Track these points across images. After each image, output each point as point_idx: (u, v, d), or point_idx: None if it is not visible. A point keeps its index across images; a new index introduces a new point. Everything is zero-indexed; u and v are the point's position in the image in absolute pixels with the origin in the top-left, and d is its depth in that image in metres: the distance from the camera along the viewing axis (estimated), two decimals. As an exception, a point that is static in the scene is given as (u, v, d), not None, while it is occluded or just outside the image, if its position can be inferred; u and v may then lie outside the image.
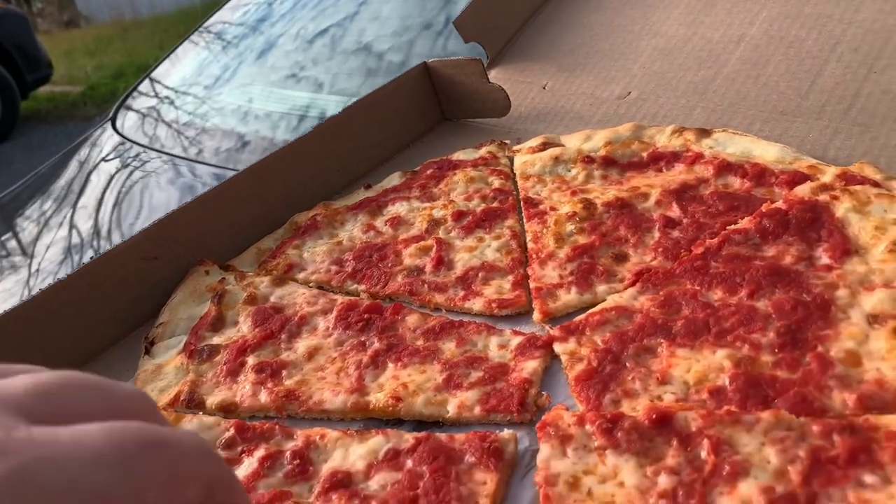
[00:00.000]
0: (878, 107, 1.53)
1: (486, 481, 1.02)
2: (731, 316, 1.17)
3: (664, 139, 1.58)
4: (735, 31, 1.81)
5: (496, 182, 1.62)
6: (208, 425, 1.17)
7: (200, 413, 1.21)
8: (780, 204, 1.33)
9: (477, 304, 1.34)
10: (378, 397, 1.18)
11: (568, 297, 1.31)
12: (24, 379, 0.54)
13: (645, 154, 1.57)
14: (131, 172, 2.67)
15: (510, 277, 1.38)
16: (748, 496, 0.91)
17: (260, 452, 1.12)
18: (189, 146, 2.70)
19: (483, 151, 1.73)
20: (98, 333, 1.43)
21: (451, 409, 1.15)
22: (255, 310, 1.39)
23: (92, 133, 3.09)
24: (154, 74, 3.26)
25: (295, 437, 1.14)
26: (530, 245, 1.44)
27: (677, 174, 1.50)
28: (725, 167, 1.46)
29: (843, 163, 1.42)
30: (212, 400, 1.24)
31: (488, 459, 1.04)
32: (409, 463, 1.06)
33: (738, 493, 0.92)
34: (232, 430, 1.15)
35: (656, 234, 1.38)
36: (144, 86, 3.23)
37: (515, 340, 1.25)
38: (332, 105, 2.41)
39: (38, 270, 2.31)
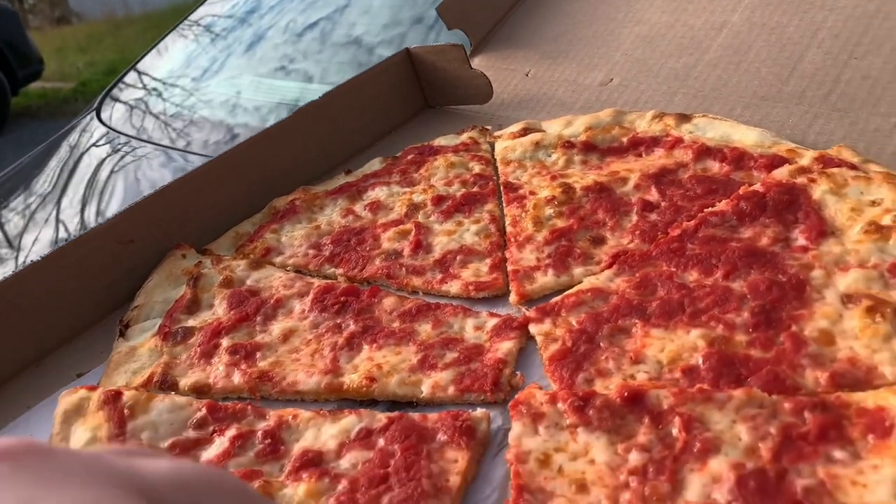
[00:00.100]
0: (858, 92, 1.53)
1: (457, 459, 1.02)
2: (705, 296, 1.17)
3: (644, 124, 1.58)
4: (717, 18, 1.81)
5: (477, 167, 1.62)
6: (180, 405, 1.16)
7: (172, 393, 1.20)
8: (757, 186, 1.33)
9: (454, 287, 1.34)
10: (352, 378, 1.18)
11: (545, 279, 1.30)
12: (166, 465, 0.53)
13: (625, 139, 1.56)
14: (117, 163, 2.65)
15: (488, 260, 1.38)
16: (718, 472, 0.91)
17: (231, 432, 1.11)
18: (177, 138, 2.68)
19: (464, 137, 1.72)
20: (73, 316, 1.42)
21: (425, 389, 1.15)
22: (231, 293, 1.38)
23: (77, 123, 3.07)
24: (142, 66, 3.24)
25: (267, 417, 1.13)
26: (509, 229, 1.43)
27: (657, 159, 1.50)
28: (704, 151, 1.46)
29: (822, 147, 1.42)
30: (185, 381, 1.23)
31: (460, 438, 1.04)
32: (381, 442, 1.06)
33: (708, 470, 0.92)
34: (203, 411, 1.14)
35: (634, 218, 1.38)
36: (132, 77, 3.21)
37: (491, 322, 1.25)
38: (323, 96, 2.39)
39: (23, 264, 2.29)
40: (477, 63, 1.98)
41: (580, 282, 1.28)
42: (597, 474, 0.94)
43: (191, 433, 1.12)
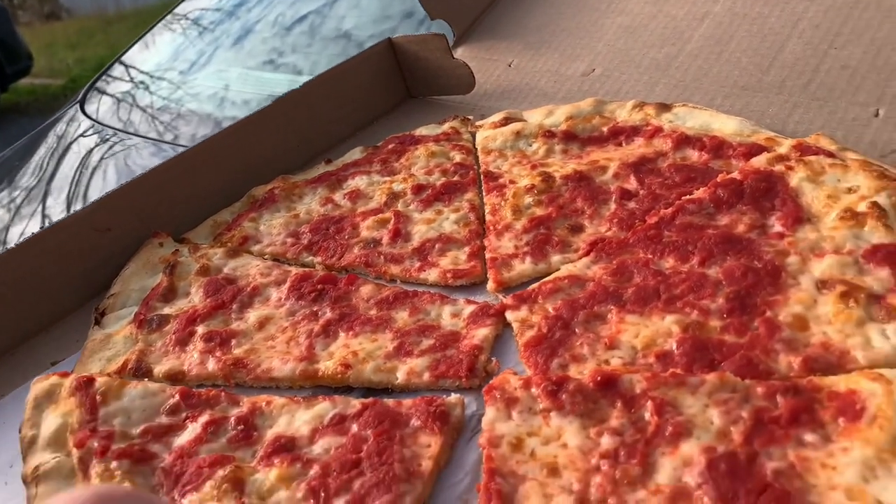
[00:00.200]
0: (837, 81, 1.53)
1: (430, 444, 1.01)
2: (681, 283, 1.16)
3: (625, 114, 1.58)
4: (699, 9, 1.81)
5: (457, 156, 1.61)
6: (153, 391, 1.15)
7: (146, 380, 1.19)
8: (735, 174, 1.33)
9: (432, 275, 1.33)
10: (327, 365, 1.17)
11: (523, 266, 1.30)
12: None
13: (605, 128, 1.56)
14: (103, 156, 2.63)
15: (467, 249, 1.37)
16: (689, 456, 0.91)
17: (204, 418, 1.10)
18: (165, 131, 2.66)
19: (446, 127, 1.72)
20: (49, 305, 1.41)
21: (401, 375, 1.14)
22: (208, 281, 1.37)
23: (62, 116, 3.05)
24: (129, 60, 3.22)
25: (241, 403, 1.13)
26: (488, 217, 1.43)
27: (636, 148, 1.50)
28: (684, 140, 1.46)
29: (801, 136, 1.41)
30: (159, 368, 1.22)
31: (433, 423, 1.03)
32: (355, 427, 1.05)
33: (679, 453, 0.92)
34: (176, 397, 1.14)
35: (612, 206, 1.37)
36: (118, 70, 3.19)
37: (468, 309, 1.24)
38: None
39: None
40: (460, 53, 1.98)
41: (558, 269, 1.27)
42: (569, 458, 0.94)
43: (163, 419, 1.12)
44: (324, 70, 1.79)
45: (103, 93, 3.08)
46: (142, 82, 3.07)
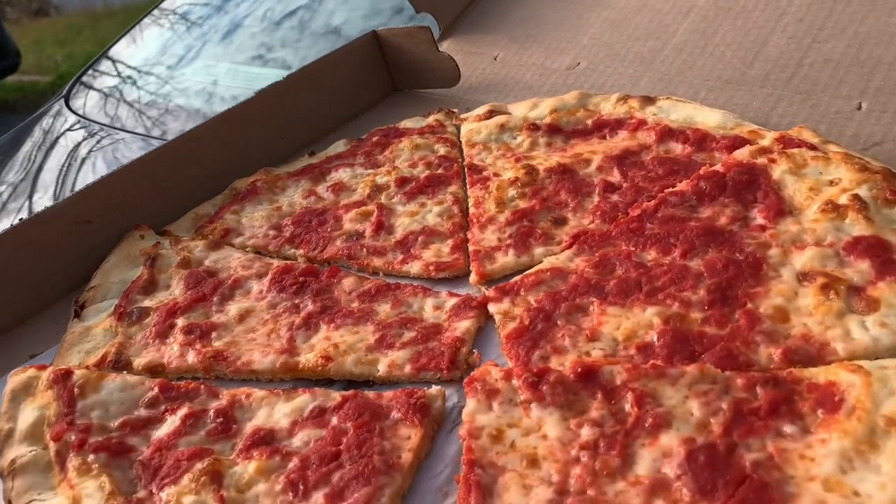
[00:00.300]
0: (821, 75, 1.53)
1: (410, 436, 1.01)
2: (663, 275, 1.16)
3: (609, 107, 1.57)
4: (684, 2, 1.81)
5: (442, 149, 1.61)
6: (131, 384, 1.14)
7: (125, 373, 1.18)
8: (718, 167, 1.33)
9: (415, 268, 1.33)
10: (308, 357, 1.17)
11: (505, 259, 1.30)
12: None
13: (589, 121, 1.56)
14: (90, 151, 2.61)
15: (450, 241, 1.37)
16: (669, 447, 0.91)
17: (183, 411, 1.09)
18: (152, 126, 2.64)
19: (430, 120, 1.71)
20: (28, 297, 1.39)
21: (382, 368, 1.14)
22: (188, 273, 1.36)
23: (47, 110, 3.02)
24: (116, 54, 3.19)
25: (220, 396, 1.12)
26: (472, 210, 1.42)
27: (620, 141, 1.49)
28: (667, 133, 1.45)
29: (784, 129, 1.41)
30: (139, 361, 1.21)
31: (414, 415, 1.03)
32: (334, 420, 1.05)
33: (659, 445, 0.91)
34: (155, 390, 1.13)
35: (596, 199, 1.37)
36: (105, 65, 3.16)
37: (451, 302, 1.24)
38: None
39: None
40: (446, 47, 1.97)
41: (540, 262, 1.27)
42: (548, 449, 0.94)
43: (142, 412, 1.11)
44: (310, 64, 1.78)
45: (90, 87, 3.05)
46: (129, 77, 3.04)
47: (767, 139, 1.36)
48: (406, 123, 1.72)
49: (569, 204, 1.37)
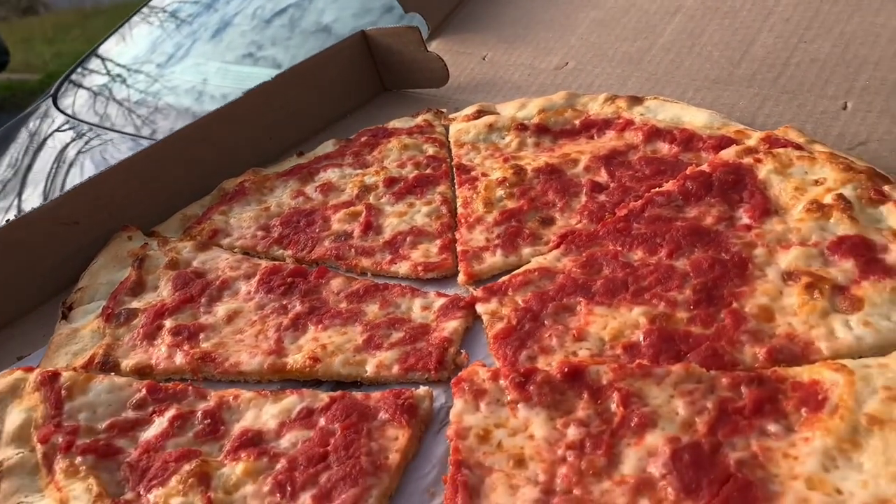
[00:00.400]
0: (807, 75, 1.54)
1: (397, 437, 1.01)
2: (649, 275, 1.17)
3: (597, 107, 1.58)
4: (672, 2, 1.82)
5: (430, 149, 1.61)
6: (119, 386, 1.14)
7: (112, 374, 1.18)
8: (704, 167, 1.33)
9: (403, 268, 1.33)
10: (296, 358, 1.17)
11: (493, 259, 1.30)
12: None
13: (577, 121, 1.56)
14: (80, 150, 2.60)
15: (438, 241, 1.37)
16: (654, 446, 0.91)
17: (171, 412, 1.09)
18: (142, 125, 2.63)
19: (419, 120, 1.72)
20: (15, 299, 1.39)
21: (370, 368, 1.14)
22: (176, 274, 1.36)
23: (34, 110, 3.00)
24: (105, 52, 3.18)
25: (208, 397, 1.12)
26: (460, 210, 1.43)
27: (608, 141, 1.50)
28: (654, 133, 1.46)
29: (771, 128, 1.42)
30: (127, 362, 1.21)
31: (401, 416, 1.03)
32: (322, 421, 1.05)
33: (644, 444, 0.92)
34: (143, 391, 1.13)
35: (583, 199, 1.38)
36: (95, 63, 3.14)
37: (439, 302, 1.24)
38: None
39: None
40: (434, 47, 1.97)
41: (528, 262, 1.27)
42: (535, 449, 0.94)
43: (130, 414, 1.11)
44: (300, 63, 1.78)
45: (79, 86, 3.04)
46: (118, 75, 3.03)
47: (753, 139, 1.37)
48: (395, 123, 1.72)
49: (556, 204, 1.38)
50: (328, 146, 1.68)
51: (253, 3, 3.04)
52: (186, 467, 1.00)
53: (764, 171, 1.29)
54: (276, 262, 1.38)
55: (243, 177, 1.60)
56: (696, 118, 1.47)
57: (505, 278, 1.24)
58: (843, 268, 1.10)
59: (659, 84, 1.65)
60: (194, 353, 1.20)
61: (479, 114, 1.66)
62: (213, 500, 0.95)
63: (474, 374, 1.06)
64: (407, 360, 1.14)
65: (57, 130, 2.77)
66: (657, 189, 1.32)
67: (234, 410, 1.09)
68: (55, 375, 1.15)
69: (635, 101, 1.55)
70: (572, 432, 0.95)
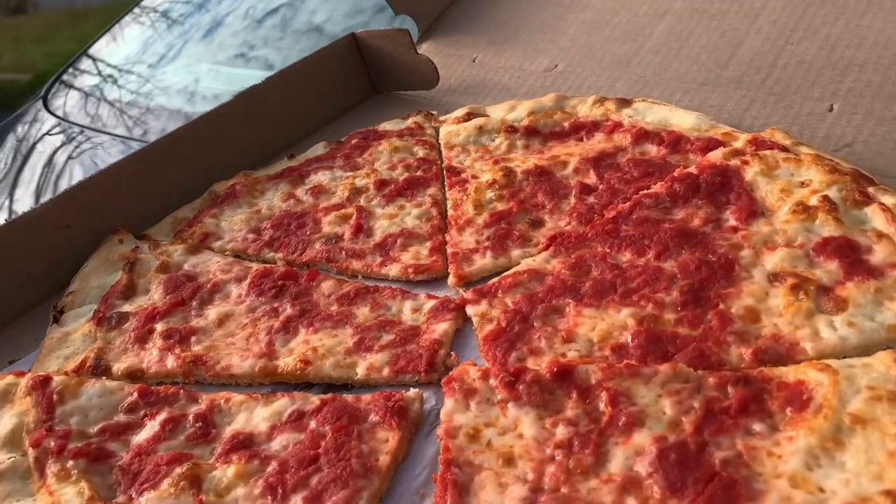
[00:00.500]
0: (794, 77, 1.56)
1: (388, 439, 1.02)
2: (637, 276, 1.18)
3: (586, 109, 1.59)
4: (661, 5, 1.83)
5: (421, 152, 1.62)
6: (110, 390, 1.15)
7: (104, 378, 1.19)
8: (691, 169, 1.35)
9: (393, 270, 1.34)
10: (286, 361, 1.17)
11: (483, 261, 1.31)
12: None
13: (566, 124, 1.57)
14: (71, 154, 2.59)
15: (428, 244, 1.38)
16: (641, 445, 0.92)
17: (162, 416, 1.10)
18: (133, 126, 2.63)
19: (409, 122, 1.72)
20: (6, 303, 1.39)
21: (360, 371, 1.15)
22: (167, 278, 1.36)
23: (25, 112, 2.99)
24: (96, 52, 3.17)
25: (199, 401, 1.12)
26: (450, 212, 1.44)
27: (596, 143, 1.51)
28: (643, 135, 1.47)
29: (758, 130, 1.44)
30: (118, 366, 1.21)
31: (391, 418, 1.04)
32: (313, 424, 1.06)
33: (632, 443, 0.93)
34: (135, 395, 1.13)
35: (572, 201, 1.39)
36: (86, 63, 3.14)
37: (429, 304, 1.25)
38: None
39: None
40: (425, 49, 1.98)
41: (518, 263, 1.28)
42: (524, 448, 0.95)
43: (121, 417, 1.11)
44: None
45: (70, 86, 3.03)
46: (110, 76, 3.02)
47: (740, 141, 1.38)
48: (385, 126, 1.73)
49: (546, 206, 1.39)
50: (319, 149, 1.69)
51: (245, 3, 3.04)
52: (178, 470, 1.01)
53: (751, 173, 1.31)
54: (267, 265, 1.39)
55: (234, 179, 1.61)
56: (683, 120, 1.48)
57: (495, 280, 1.25)
58: (827, 269, 1.11)
59: (647, 86, 1.66)
60: (185, 357, 1.20)
61: (469, 116, 1.67)
62: (205, 502, 0.96)
63: (465, 373, 1.07)
64: (397, 363, 1.15)
65: (47, 133, 2.77)
66: (645, 191, 1.34)
67: (225, 413, 1.10)
68: (46, 380, 1.15)
69: (624, 103, 1.56)
70: (561, 431, 0.96)
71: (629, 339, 1.08)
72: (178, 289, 1.34)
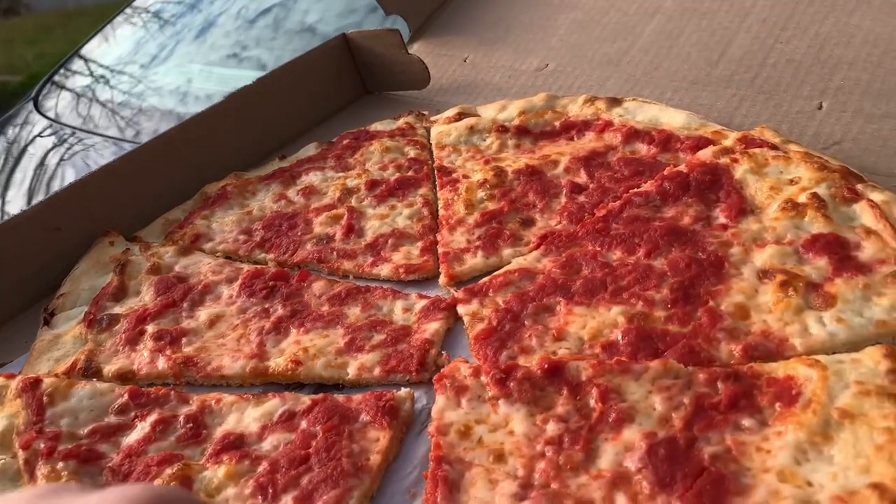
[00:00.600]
0: (783, 75, 1.56)
1: (378, 438, 1.02)
2: (627, 274, 1.18)
3: (576, 108, 1.59)
4: (651, 4, 1.84)
5: (412, 152, 1.62)
6: (101, 391, 1.14)
7: (94, 380, 1.18)
8: (681, 167, 1.35)
9: (385, 270, 1.34)
10: (277, 362, 1.17)
11: (474, 260, 1.31)
12: (96, 499, 0.56)
13: (557, 123, 1.58)
14: (63, 155, 2.58)
15: (419, 244, 1.38)
16: (631, 441, 0.93)
17: (153, 417, 1.10)
18: (126, 127, 2.62)
19: (401, 122, 1.72)
20: (-4, 305, 1.39)
21: (352, 371, 1.15)
22: (158, 279, 1.36)
23: (16, 113, 2.98)
24: (88, 53, 3.16)
25: (190, 402, 1.12)
26: (441, 212, 1.44)
27: (587, 142, 1.51)
28: (633, 134, 1.48)
29: (748, 129, 1.44)
30: (109, 368, 1.21)
31: (382, 418, 1.04)
32: (304, 424, 1.06)
33: (621, 439, 0.93)
34: (125, 396, 1.13)
35: (563, 200, 1.39)
36: (77, 64, 3.13)
37: (420, 304, 1.25)
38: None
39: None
40: (416, 49, 1.98)
41: (509, 263, 1.29)
42: (515, 445, 0.96)
43: (112, 419, 1.11)
44: (285, 65, 1.78)
45: (62, 87, 3.02)
46: (102, 76, 3.01)
47: (730, 139, 1.38)
48: (376, 126, 1.73)
49: (537, 205, 1.39)
50: (310, 149, 1.69)
51: (237, 3, 3.04)
52: (168, 471, 1.01)
53: (740, 170, 1.31)
54: (259, 266, 1.39)
55: (225, 181, 1.61)
56: (674, 119, 1.48)
57: (486, 279, 1.25)
58: (816, 265, 1.12)
59: (638, 85, 1.67)
60: (176, 358, 1.20)
61: (460, 116, 1.67)
62: (196, 503, 0.96)
63: (456, 370, 1.07)
64: (388, 362, 1.15)
65: (39, 135, 2.76)
66: (635, 190, 1.34)
67: (216, 414, 1.10)
68: (37, 382, 1.15)
69: (614, 102, 1.57)
70: (551, 428, 0.97)
71: (620, 337, 1.09)
72: (168, 290, 1.34)
